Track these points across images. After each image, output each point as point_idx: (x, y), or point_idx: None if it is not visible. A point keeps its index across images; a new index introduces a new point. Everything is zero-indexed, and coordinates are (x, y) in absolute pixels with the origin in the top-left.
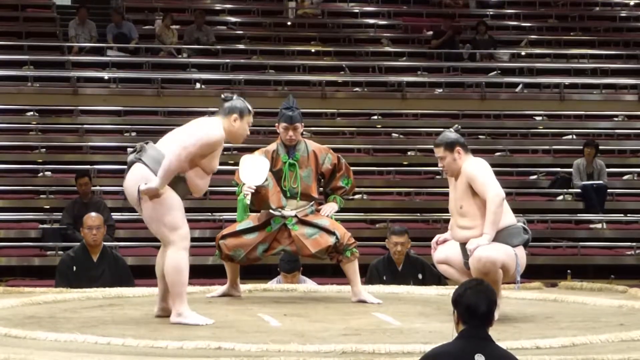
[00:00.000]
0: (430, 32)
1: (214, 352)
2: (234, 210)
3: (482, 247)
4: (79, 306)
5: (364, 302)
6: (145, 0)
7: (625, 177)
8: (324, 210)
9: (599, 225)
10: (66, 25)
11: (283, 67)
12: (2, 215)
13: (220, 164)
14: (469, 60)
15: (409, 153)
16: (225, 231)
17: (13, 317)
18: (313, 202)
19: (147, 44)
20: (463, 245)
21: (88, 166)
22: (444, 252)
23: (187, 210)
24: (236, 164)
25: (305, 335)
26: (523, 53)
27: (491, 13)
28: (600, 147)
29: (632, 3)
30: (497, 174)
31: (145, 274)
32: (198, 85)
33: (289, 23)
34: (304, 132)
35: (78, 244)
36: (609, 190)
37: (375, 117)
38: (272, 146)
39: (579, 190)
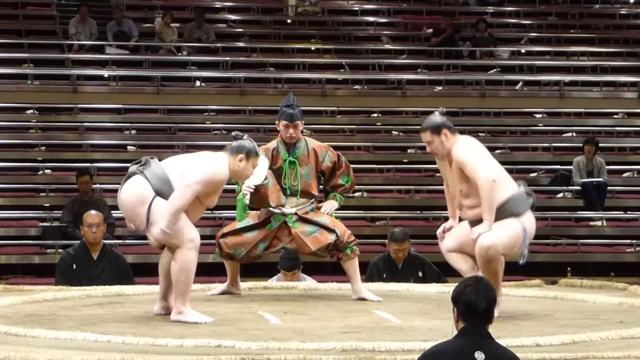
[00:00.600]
0: (430, 30)
1: (214, 350)
2: (233, 208)
3: (484, 235)
4: (79, 304)
5: (364, 299)
6: None
7: (625, 175)
8: (324, 207)
9: (599, 223)
10: (66, 23)
11: (283, 65)
12: (2, 213)
13: None
14: (468, 57)
15: (409, 151)
16: (225, 229)
17: (13, 315)
18: (313, 199)
19: (147, 42)
20: (473, 224)
21: (88, 164)
22: (454, 238)
23: None
24: None
25: (305, 332)
26: (523, 51)
27: (491, 11)
28: (600, 144)
29: (631, 0)
30: None
31: (145, 272)
32: (198, 83)
33: (288, 21)
34: (304, 130)
35: (78, 242)
36: (609, 188)
37: (375, 114)
38: (272, 144)
39: (579, 187)
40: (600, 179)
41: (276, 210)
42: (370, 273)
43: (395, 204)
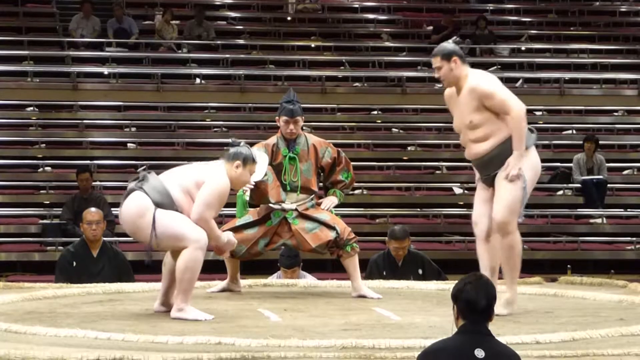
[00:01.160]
0: (430, 27)
1: (214, 347)
2: (233, 205)
3: (499, 210)
4: (79, 301)
5: (364, 297)
6: None
7: (625, 172)
8: (324, 204)
9: (599, 220)
10: (66, 20)
11: (283, 62)
12: (2, 210)
13: None
14: (468, 55)
15: (409, 148)
16: (225, 227)
17: (13, 312)
18: (313, 195)
19: (147, 39)
20: (478, 160)
21: (88, 161)
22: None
23: None
24: None
25: (305, 330)
26: (523, 48)
27: (491, 8)
28: (600, 142)
29: None
30: None
31: (145, 269)
32: (198, 80)
33: (289, 18)
34: (304, 127)
35: (78, 239)
36: (609, 185)
37: (375, 112)
38: (272, 140)
39: (579, 185)
40: (600, 177)
41: (276, 207)
42: (370, 270)
43: (395, 201)
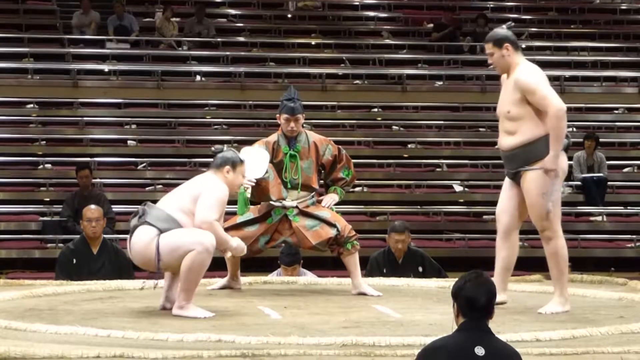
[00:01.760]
0: (431, 25)
1: (214, 345)
2: (234, 202)
3: (534, 222)
4: (79, 299)
5: (364, 294)
6: None
7: (625, 170)
8: (325, 201)
9: (599, 218)
10: (66, 17)
11: (283, 60)
12: (2, 207)
13: None
14: (469, 52)
15: (409, 146)
16: (226, 224)
17: (13, 309)
18: (314, 193)
19: (147, 36)
20: (504, 152)
21: (88, 158)
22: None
23: None
24: None
25: (306, 327)
26: (523, 45)
27: (491, 5)
28: (600, 139)
29: None
30: (497, 166)
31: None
32: (198, 77)
33: (289, 15)
34: (304, 125)
35: (78, 236)
36: (609, 183)
37: (376, 109)
38: (273, 137)
39: (579, 182)
40: (601, 174)
41: (277, 204)
42: (370, 268)
43: (395, 198)
